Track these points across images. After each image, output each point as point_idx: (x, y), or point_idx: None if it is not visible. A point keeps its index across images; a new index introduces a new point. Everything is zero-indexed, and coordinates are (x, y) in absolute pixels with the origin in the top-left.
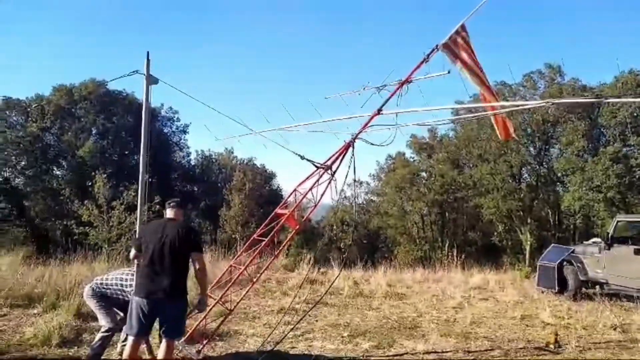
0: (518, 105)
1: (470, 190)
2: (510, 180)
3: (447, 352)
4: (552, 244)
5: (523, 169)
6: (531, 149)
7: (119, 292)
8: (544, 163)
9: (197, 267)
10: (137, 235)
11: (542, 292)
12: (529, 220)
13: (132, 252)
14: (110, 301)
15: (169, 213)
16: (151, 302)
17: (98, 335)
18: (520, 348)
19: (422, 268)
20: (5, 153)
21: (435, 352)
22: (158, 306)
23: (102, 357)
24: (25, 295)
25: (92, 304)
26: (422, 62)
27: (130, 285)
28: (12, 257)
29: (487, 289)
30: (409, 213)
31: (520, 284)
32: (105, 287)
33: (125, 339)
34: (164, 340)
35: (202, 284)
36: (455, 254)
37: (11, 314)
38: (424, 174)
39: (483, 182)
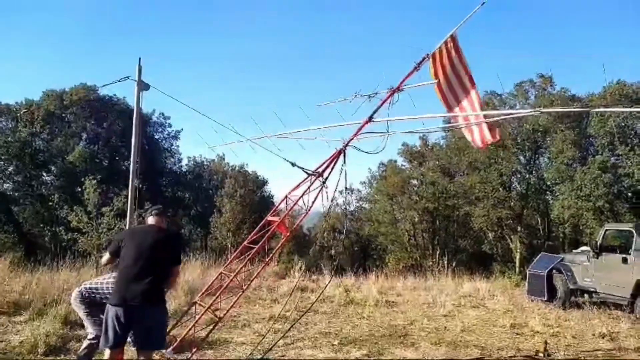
0: (508, 114)
1: (461, 198)
2: (500, 189)
3: None
4: (542, 253)
5: (513, 177)
6: (521, 157)
7: (108, 297)
8: (533, 172)
9: (174, 274)
10: (114, 240)
11: (532, 300)
12: (519, 229)
13: (105, 256)
14: (98, 307)
15: (151, 220)
16: (127, 310)
17: (85, 343)
18: (510, 356)
19: (413, 276)
20: None
21: None
22: (134, 314)
23: None
24: (11, 302)
25: (79, 310)
26: (412, 71)
27: None
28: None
29: (477, 297)
30: (400, 221)
31: (510, 292)
32: (93, 291)
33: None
34: (140, 352)
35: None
36: (446, 261)
37: None
38: (415, 181)
39: (474, 191)
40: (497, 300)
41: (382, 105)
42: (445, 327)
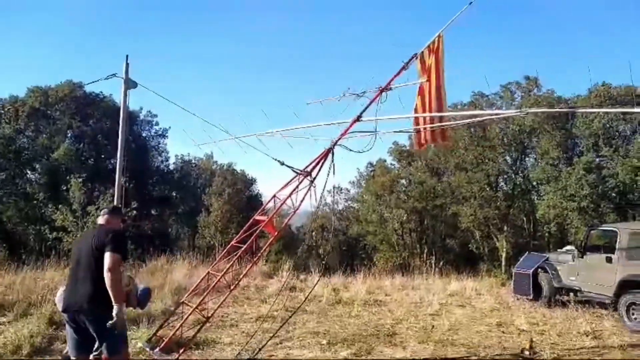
0: (494, 114)
1: (449, 197)
2: (487, 189)
3: (425, 359)
4: (527, 252)
5: (500, 177)
6: (508, 158)
7: None
8: (519, 172)
9: (105, 266)
10: None
11: (518, 299)
12: (505, 228)
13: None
14: None
15: (100, 219)
16: (73, 317)
17: (69, 343)
18: (497, 355)
19: (401, 275)
20: None
21: (414, 359)
22: (79, 321)
23: None
24: None
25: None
26: (400, 70)
27: None
28: None
29: (464, 296)
30: (389, 220)
31: (497, 291)
32: None
33: (97, 350)
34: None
35: (112, 290)
36: (433, 261)
37: None
38: (403, 181)
39: (461, 190)
40: (483, 299)
41: (370, 104)
42: (433, 326)
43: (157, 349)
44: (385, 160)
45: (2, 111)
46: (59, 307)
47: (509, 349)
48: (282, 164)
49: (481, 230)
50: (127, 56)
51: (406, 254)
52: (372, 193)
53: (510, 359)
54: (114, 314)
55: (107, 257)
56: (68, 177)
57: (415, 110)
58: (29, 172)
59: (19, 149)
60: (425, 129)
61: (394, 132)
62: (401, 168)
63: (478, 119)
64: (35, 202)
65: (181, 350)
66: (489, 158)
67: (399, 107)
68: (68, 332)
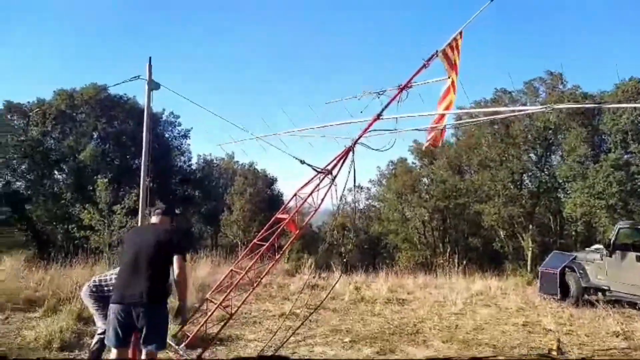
0: (518, 111)
1: (472, 196)
2: (511, 187)
3: (449, 358)
4: (554, 251)
5: (524, 175)
6: (532, 155)
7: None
8: (545, 170)
9: (176, 270)
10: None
11: (544, 298)
12: (530, 227)
13: (116, 270)
14: (107, 301)
15: (154, 219)
16: (127, 308)
17: (95, 337)
18: (523, 355)
19: (424, 274)
20: (7, 157)
21: (437, 358)
22: (134, 313)
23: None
24: (26, 298)
25: (89, 304)
26: (421, 68)
27: None
28: (14, 261)
29: (489, 295)
30: (410, 219)
31: (522, 291)
32: (102, 285)
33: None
34: (144, 351)
35: (181, 289)
36: (456, 260)
37: (12, 318)
38: (425, 179)
39: (484, 189)
40: (509, 299)
41: (391, 102)
42: (457, 325)
43: (183, 345)
44: (406, 159)
45: (30, 114)
46: (86, 302)
47: (535, 349)
48: (303, 162)
49: (505, 229)
50: (150, 58)
51: (428, 253)
52: (394, 192)
53: (537, 359)
54: (184, 310)
55: (177, 260)
56: (94, 178)
57: (448, 108)
58: (56, 172)
59: (46, 151)
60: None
61: (415, 130)
62: (422, 166)
63: (501, 115)
64: (63, 201)
65: (206, 346)
66: (512, 155)
67: (419, 105)
68: (111, 323)
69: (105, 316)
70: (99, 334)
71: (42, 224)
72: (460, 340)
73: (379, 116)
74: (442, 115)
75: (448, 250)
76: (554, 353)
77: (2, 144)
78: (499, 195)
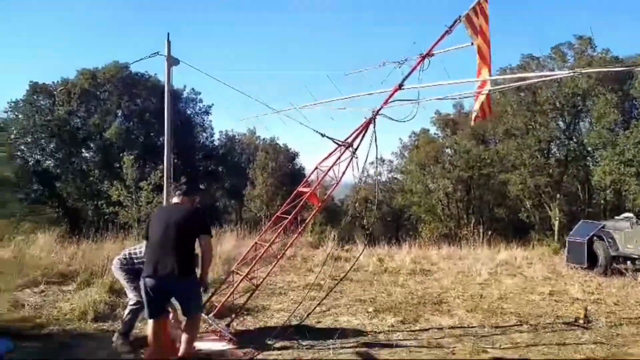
0: (544, 76)
1: (497, 166)
2: (538, 156)
3: (473, 327)
4: (582, 220)
5: (552, 143)
6: (560, 123)
7: (144, 262)
8: (573, 137)
9: (203, 248)
10: (145, 225)
11: (572, 268)
12: (557, 196)
13: (144, 243)
14: (137, 273)
15: (175, 199)
16: (158, 280)
17: (127, 309)
18: (549, 323)
19: (448, 245)
20: (36, 136)
21: (462, 327)
22: (166, 285)
23: (136, 331)
24: (60, 272)
25: (120, 277)
26: (444, 34)
27: None
28: (47, 237)
29: (514, 265)
30: (434, 190)
31: (549, 260)
32: (133, 257)
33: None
34: (186, 318)
35: (205, 264)
36: (481, 231)
37: (48, 291)
38: (448, 150)
39: (510, 158)
40: (535, 268)
41: (412, 71)
42: (481, 295)
43: (211, 314)
44: (428, 130)
45: (55, 93)
46: (116, 274)
47: (562, 318)
48: (323, 135)
49: (532, 198)
50: (168, 34)
51: (452, 224)
52: (416, 163)
53: (564, 327)
54: (205, 280)
55: (205, 239)
56: (120, 155)
57: (479, 74)
58: (84, 150)
59: (73, 129)
60: (487, 94)
61: (437, 99)
62: (445, 137)
63: (527, 81)
64: (91, 179)
65: (233, 316)
66: (539, 123)
67: (442, 74)
68: (145, 297)
69: (135, 288)
70: (130, 305)
71: (72, 200)
72: (484, 310)
73: (400, 86)
74: (484, 83)
75: (472, 221)
76: (581, 321)
77: (31, 124)
78: (525, 165)
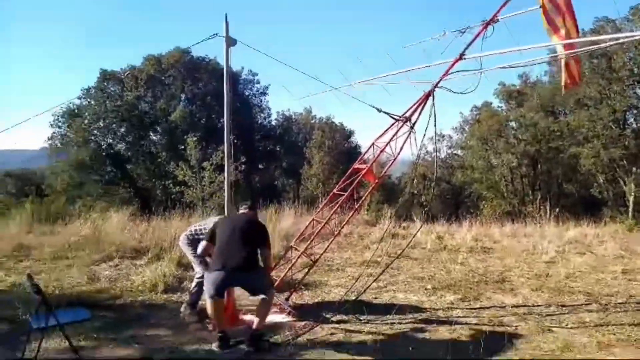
0: (622, 37)
1: (567, 139)
2: (613, 127)
3: (538, 305)
4: None
5: (628, 113)
6: (638, 90)
7: None
8: None
9: (265, 262)
10: (210, 229)
11: None
12: (634, 170)
13: (202, 244)
14: None
15: (242, 210)
16: (227, 273)
17: (194, 282)
18: (620, 303)
19: (511, 223)
20: (107, 121)
21: (526, 305)
22: (235, 277)
23: (202, 302)
24: (132, 248)
25: (187, 251)
26: None
27: None
28: (120, 215)
29: (584, 244)
30: (497, 166)
31: (623, 238)
32: (198, 232)
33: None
34: (261, 298)
35: (267, 270)
36: (548, 208)
37: (121, 265)
38: (513, 124)
39: (581, 130)
40: (606, 246)
41: (474, 40)
42: (548, 274)
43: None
44: (491, 103)
45: (124, 78)
46: (184, 249)
47: (635, 297)
48: (380, 110)
49: (605, 173)
50: (226, 15)
51: (516, 201)
52: (478, 138)
53: (637, 307)
54: (268, 274)
55: (265, 253)
56: (184, 137)
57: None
58: (151, 134)
59: (141, 114)
60: (570, 57)
61: (501, 67)
62: (510, 110)
63: (602, 45)
64: (159, 160)
65: (292, 290)
66: (615, 92)
67: (507, 41)
68: (211, 280)
69: (202, 262)
70: (197, 278)
71: (142, 181)
72: (550, 289)
73: (461, 56)
74: (570, 46)
75: (539, 198)
76: None
77: (103, 109)
78: (598, 137)
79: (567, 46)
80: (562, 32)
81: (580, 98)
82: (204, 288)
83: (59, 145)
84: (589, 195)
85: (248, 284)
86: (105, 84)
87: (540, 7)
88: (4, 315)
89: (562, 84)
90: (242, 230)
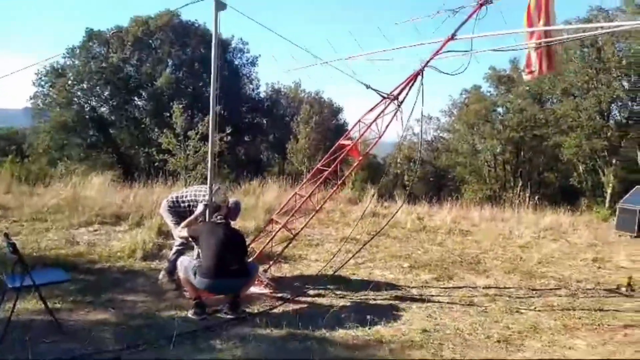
0: (613, 26)
1: (551, 127)
2: (597, 117)
3: (509, 288)
4: (637, 187)
5: (613, 105)
6: (625, 83)
7: (192, 204)
8: (638, 99)
9: (251, 274)
10: (196, 229)
11: (620, 235)
12: (614, 161)
13: (184, 233)
14: (183, 217)
15: (218, 221)
16: (220, 282)
17: (173, 249)
18: (589, 289)
19: (491, 207)
20: (91, 83)
21: (497, 287)
22: (226, 284)
23: None
24: (112, 213)
25: (167, 218)
26: None
27: (204, 196)
28: (101, 180)
29: (559, 231)
30: (481, 151)
31: (597, 227)
32: (180, 200)
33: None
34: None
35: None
36: (528, 195)
37: (101, 230)
38: (500, 109)
39: (566, 119)
40: (580, 234)
41: (467, 20)
42: (521, 258)
43: (250, 259)
44: (480, 87)
45: (110, 40)
46: (164, 216)
47: (603, 285)
48: (368, 87)
49: (586, 163)
50: None
51: (497, 187)
52: (465, 122)
53: (605, 294)
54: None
55: (253, 267)
56: (170, 104)
57: (529, 23)
58: (136, 99)
59: (126, 77)
60: (536, 47)
61: (492, 50)
62: (499, 95)
63: (593, 32)
64: (143, 126)
65: (271, 262)
66: (602, 82)
67: (499, 24)
68: (205, 285)
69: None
70: (176, 246)
71: (125, 147)
72: (523, 272)
73: (452, 36)
74: (543, 33)
75: (520, 184)
76: (624, 289)
77: (87, 70)
78: (582, 127)
79: (542, 34)
80: (542, 22)
81: (567, 87)
82: (185, 272)
83: (41, 105)
84: (569, 185)
85: (237, 288)
86: (90, 44)
87: None
88: None
89: (530, 70)
90: (233, 243)
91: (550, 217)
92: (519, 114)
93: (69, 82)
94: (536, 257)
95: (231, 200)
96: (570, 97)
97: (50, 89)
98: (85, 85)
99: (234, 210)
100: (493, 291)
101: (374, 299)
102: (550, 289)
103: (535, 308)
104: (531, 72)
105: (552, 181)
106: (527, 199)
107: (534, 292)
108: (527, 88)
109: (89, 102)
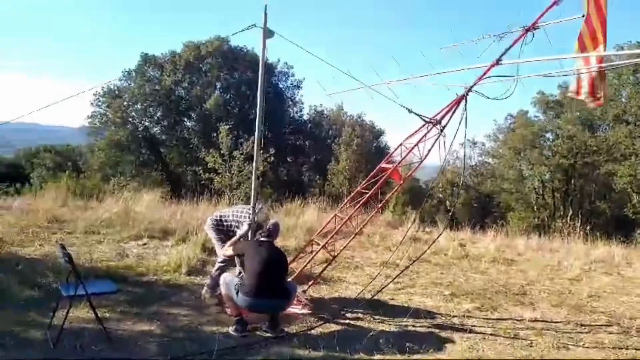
0: None
1: (603, 155)
2: None
3: (557, 322)
4: None
5: None
6: None
7: (234, 224)
8: None
9: (293, 293)
10: (241, 247)
11: None
12: None
13: (229, 252)
14: (226, 235)
15: (262, 239)
16: (262, 301)
17: (216, 265)
18: None
19: (538, 236)
20: (145, 104)
21: (544, 321)
22: (271, 304)
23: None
24: (160, 229)
25: (211, 235)
26: (552, 5)
27: (246, 217)
28: (151, 196)
29: (611, 264)
30: (528, 178)
31: None
32: (223, 219)
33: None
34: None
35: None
36: (578, 224)
37: (149, 244)
38: (549, 135)
39: (619, 147)
40: (634, 268)
41: (513, 45)
42: (570, 291)
43: (290, 279)
44: (527, 112)
45: (164, 64)
46: (209, 233)
47: None
48: (410, 111)
49: None
50: (265, 6)
51: (546, 216)
52: (511, 147)
53: None
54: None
55: (292, 286)
56: (217, 125)
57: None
58: (186, 120)
59: (177, 99)
60: (584, 73)
61: (538, 75)
62: (547, 120)
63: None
64: (191, 146)
65: (310, 283)
66: None
67: (547, 49)
68: (242, 304)
69: (223, 247)
70: (219, 263)
71: (174, 165)
72: (571, 306)
73: (498, 61)
74: (599, 58)
75: (569, 214)
76: None
77: (141, 92)
78: (636, 155)
79: (597, 59)
80: (601, 47)
81: (619, 113)
82: (227, 289)
83: (98, 124)
84: (622, 216)
85: (278, 309)
86: (145, 67)
87: (584, 16)
88: (36, 282)
89: (581, 93)
90: (276, 262)
91: (602, 249)
92: (568, 140)
93: (125, 103)
94: (586, 291)
95: (271, 221)
96: (623, 123)
97: (107, 109)
98: (139, 106)
99: (273, 232)
100: (539, 325)
101: (413, 326)
102: (601, 325)
103: (584, 345)
104: (597, 99)
105: (604, 211)
106: (578, 229)
107: (583, 327)
108: (578, 114)
109: (142, 122)
